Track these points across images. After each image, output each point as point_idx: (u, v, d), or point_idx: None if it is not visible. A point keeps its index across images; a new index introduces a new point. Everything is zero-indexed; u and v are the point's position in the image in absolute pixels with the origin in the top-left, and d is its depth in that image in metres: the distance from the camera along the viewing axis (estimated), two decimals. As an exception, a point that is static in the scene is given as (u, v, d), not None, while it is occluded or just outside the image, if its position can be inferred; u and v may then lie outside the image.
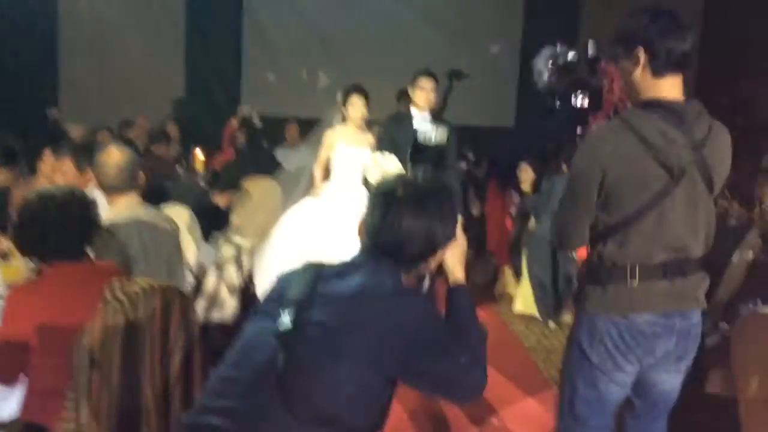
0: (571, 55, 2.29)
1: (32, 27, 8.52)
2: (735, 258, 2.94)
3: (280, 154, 6.80)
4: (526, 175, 5.33)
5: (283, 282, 1.60)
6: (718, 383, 2.53)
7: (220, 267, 2.79)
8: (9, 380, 2.19)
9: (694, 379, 2.98)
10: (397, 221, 1.55)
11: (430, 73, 4.46)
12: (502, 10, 9.68)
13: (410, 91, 4.46)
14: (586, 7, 9.14)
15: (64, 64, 9.19)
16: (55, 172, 3.64)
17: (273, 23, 9.43)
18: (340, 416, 1.45)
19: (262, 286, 3.20)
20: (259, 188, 4.79)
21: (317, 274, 1.56)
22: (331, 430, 1.46)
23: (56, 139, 4.81)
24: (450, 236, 1.66)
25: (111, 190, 2.68)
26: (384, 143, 4.34)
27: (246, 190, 4.75)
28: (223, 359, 1.56)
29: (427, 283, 3.92)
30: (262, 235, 3.85)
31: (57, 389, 2.06)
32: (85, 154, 3.38)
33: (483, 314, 4.92)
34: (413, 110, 4.44)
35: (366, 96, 4.47)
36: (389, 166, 4.01)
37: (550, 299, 4.73)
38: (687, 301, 1.97)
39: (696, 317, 2.01)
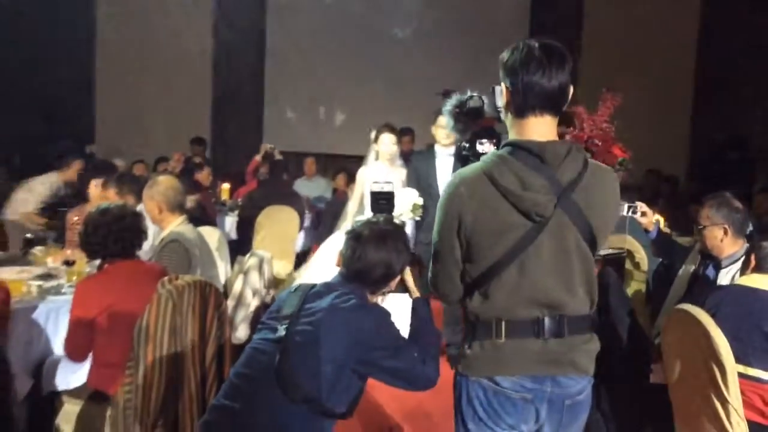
0: (475, 102, 2.30)
1: (71, 68, 9.28)
2: (681, 271, 3.44)
3: (299, 185, 7.45)
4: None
5: (280, 302, 2.11)
6: (660, 374, 2.98)
7: (245, 273, 3.37)
8: (81, 356, 2.75)
9: (642, 372, 3.44)
10: (363, 254, 2.08)
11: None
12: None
13: (433, 130, 4.61)
14: (586, 40, 9.66)
15: (99, 105, 9.93)
16: (100, 197, 4.30)
17: (293, 65, 10.13)
18: (319, 399, 1.94)
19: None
20: (279, 213, 5.40)
21: (304, 293, 2.07)
22: (313, 408, 1.95)
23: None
24: (404, 264, 2.16)
25: (170, 209, 3.32)
26: (410, 178, 4.53)
27: (268, 215, 5.35)
28: (238, 360, 2.10)
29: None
30: (280, 251, 4.39)
31: (117, 363, 2.62)
32: (125, 183, 4.09)
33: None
34: (437, 148, 4.58)
35: (396, 133, 4.62)
36: (410, 199, 4.20)
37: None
38: (561, 366, 1.76)
39: (577, 386, 1.79)
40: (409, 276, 2.22)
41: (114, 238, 2.73)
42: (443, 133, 4.49)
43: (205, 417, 2.07)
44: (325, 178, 8.34)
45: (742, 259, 2.90)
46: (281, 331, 1.99)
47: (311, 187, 7.91)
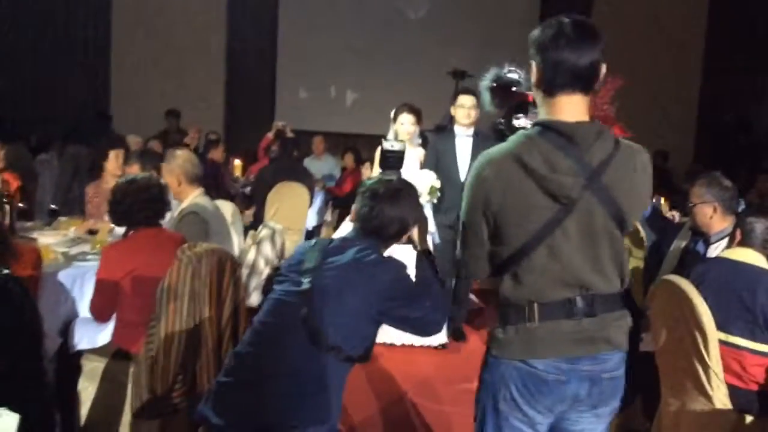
0: (513, 75, 2.23)
1: (86, 51, 9.47)
2: (672, 246, 3.60)
3: (307, 163, 7.62)
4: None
5: (300, 255, 2.21)
6: (649, 343, 3.14)
7: (258, 243, 3.55)
8: (105, 318, 2.95)
9: (633, 342, 3.62)
10: (380, 212, 2.19)
11: (469, 91, 4.62)
12: (518, 32, 10.38)
13: (452, 110, 4.64)
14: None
15: (115, 85, 10.12)
16: (119, 170, 4.49)
17: (305, 46, 10.26)
18: (342, 346, 2.07)
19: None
20: (290, 189, 5.57)
21: (324, 248, 2.18)
22: (336, 355, 2.06)
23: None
24: (417, 220, 2.29)
25: (188, 181, 3.50)
26: (429, 158, 4.60)
27: (279, 191, 5.53)
28: (260, 312, 2.23)
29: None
30: (290, 225, 4.58)
31: (140, 322, 2.81)
32: (147, 158, 4.28)
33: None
34: (456, 128, 4.63)
35: (415, 113, 4.60)
36: (427, 182, 4.35)
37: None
38: (596, 344, 1.76)
39: (612, 360, 1.79)
40: (414, 230, 2.33)
41: (139, 207, 2.91)
42: (464, 113, 4.54)
43: (229, 363, 2.18)
44: (334, 156, 8.49)
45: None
46: (306, 284, 2.09)
47: (320, 165, 8.08)
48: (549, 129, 1.72)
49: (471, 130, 4.60)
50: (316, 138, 8.41)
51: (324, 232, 6.67)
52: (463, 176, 4.49)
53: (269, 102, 10.38)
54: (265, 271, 3.50)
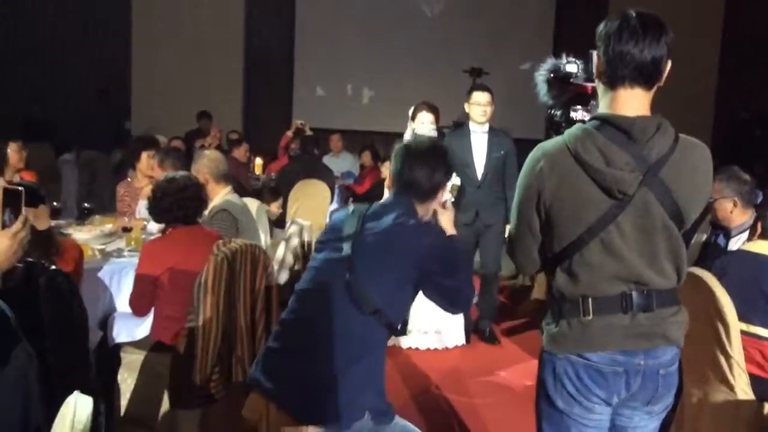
0: (572, 67, 2.17)
1: (107, 53, 9.64)
2: (693, 239, 3.65)
3: (326, 161, 7.72)
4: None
5: (339, 222, 2.25)
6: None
7: (287, 239, 3.66)
8: (144, 312, 3.06)
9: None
10: (412, 166, 2.25)
11: (484, 87, 4.62)
12: (533, 30, 10.45)
13: (466, 107, 4.59)
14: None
15: (135, 84, 10.27)
16: (150, 170, 4.59)
17: (321, 44, 10.36)
18: (384, 310, 2.11)
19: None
20: (311, 186, 5.68)
21: (362, 214, 2.22)
22: (379, 319, 2.11)
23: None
24: (447, 176, 2.33)
25: (216, 180, 3.61)
26: None
27: (301, 189, 5.64)
28: (303, 278, 2.30)
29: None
30: (312, 222, 4.68)
31: (178, 316, 2.92)
32: (179, 159, 4.41)
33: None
34: (471, 125, 4.58)
35: (434, 111, 4.59)
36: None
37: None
38: (652, 339, 1.75)
39: (667, 355, 1.78)
40: (444, 216, 2.38)
41: (178, 205, 3.02)
42: (479, 110, 4.50)
43: (277, 329, 2.26)
44: (352, 154, 8.58)
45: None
46: (347, 250, 2.13)
47: (338, 163, 8.16)
48: (607, 123, 1.71)
49: (486, 127, 4.58)
50: (334, 136, 8.51)
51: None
52: (479, 173, 4.51)
53: (287, 100, 10.49)
54: (295, 266, 3.61)
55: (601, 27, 1.74)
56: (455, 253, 2.30)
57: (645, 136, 1.69)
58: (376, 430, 2.16)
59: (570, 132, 1.75)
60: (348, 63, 10.35)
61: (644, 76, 1.70)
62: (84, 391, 2.48)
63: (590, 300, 1.73)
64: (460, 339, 4.61)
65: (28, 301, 2.42)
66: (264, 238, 4.13)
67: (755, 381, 2.68)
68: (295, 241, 3.67)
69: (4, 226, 1.44)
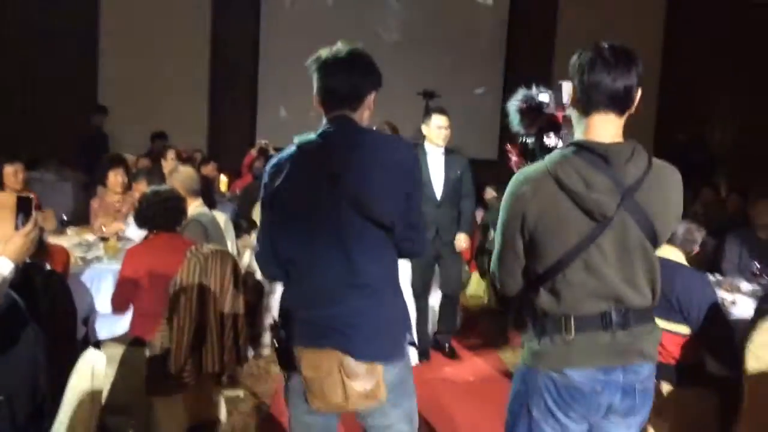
0: (543, 96, 2.24)
1: (74, 65, 9.89)
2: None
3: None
4: (489, 195, 6.64)
5: (284, 165, 2.12)
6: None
7: (252, 248, 4.05)
8: (124, 310, 3.41)
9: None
10: (324, 76, 2.15)
11: (443, 111, 4.67)
12: (486, 58, 11.06)
13: (424, 129, 4.65)
14: (557, 59, 10.40)
15: (102, 100, 10.51)
16: (118, 186, 4.97)
17: (284, 69, 10.77)
18: (396, 226, 2.03)
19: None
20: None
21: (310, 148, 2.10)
22: (389, 234, 2.04)
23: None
24: (369, 81, 2.17)
25: (191, 193, 3.98)
26: None
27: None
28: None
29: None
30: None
31: (155, 313, 3.27)
32: (153, 175, 4.78)
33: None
34: (427, 145, 4.64)
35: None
36: None
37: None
38: (630, 356, 1.82)
39: (644, 371, 1.86)
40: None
41: (161, 214, 3.40)
42: (436, 133, 4.59)
43: (288, 292, 2.15)
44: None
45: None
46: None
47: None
48: (583, 148, 1.79)
49: (442, 148, 4.67)
50: (296, 155, 8.90)
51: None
52: (438, 193, 4.63)
53: (251, 121, 10.88)
54: (259, 273, 4.00)
55: (574, 59, 1.85)
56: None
57: (621, 160, 1.77)
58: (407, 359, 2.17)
59: (550, 158, 1.83)
60: (310, 86, 10.66)
61: (616, 102, 1.80)
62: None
63: (572, 318, 1.80)
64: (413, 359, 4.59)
65: (26, 296, 2.77)
66: (231, 246, 4.52)
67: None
68: (259, 249, 4.07)
69: (17, 228, 1.80)
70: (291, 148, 2.17)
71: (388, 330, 2.08)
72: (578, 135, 1.87)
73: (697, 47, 9.67)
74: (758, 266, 4.24)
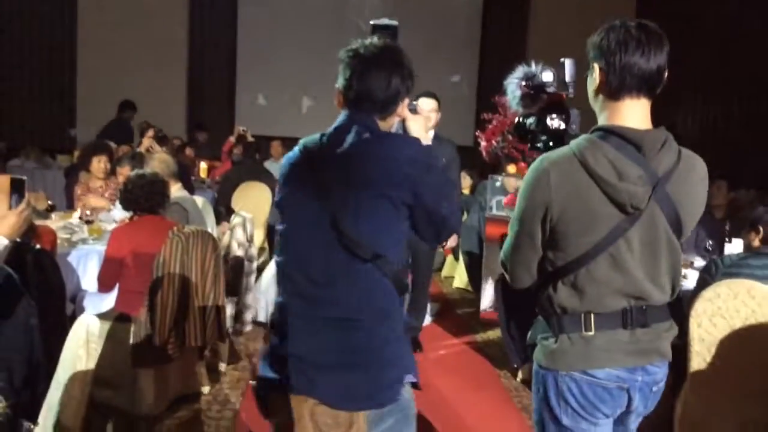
0: (547, 75, 2.08)
1: (53, 56, 9.93)
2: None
3: (267, 166, 8.27)
4: (465, 182, 6.84)
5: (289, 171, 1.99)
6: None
7: (231, 230, 4.22)
8: (110, 287, 3.58)
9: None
10: (360, 73, 1.87)
11: (430, 94, 4.38)
12: (461, 44, 11.28)
13: None
14: (531, 47, 10.65)
15: (81, 90, 10.60)
16: (101, 172, 5.12)
17: (262, 57, 10.92)
18: (380, 251, 1.84)
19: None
20: (254, 188, 6.26)
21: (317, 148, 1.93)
22: (377, 263, 1.84)
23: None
24: (406, 84, 1.93)
25: (169, 177, 4.15)
26: None
27: (243, 191, 6.21)
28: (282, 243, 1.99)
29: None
30: (255, 216, 5.25)
31: (140, 290, 3.45)
32: (136, 161, 4.93)
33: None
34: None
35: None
36: None
37: (477, 270, 5.92)
38: (650, 355, 1.75)
39: (660, 372, 1.80)
40: (414, 123, 2.04)
41: (145, 197, 3.56)
42: (425, 117, 4.47)
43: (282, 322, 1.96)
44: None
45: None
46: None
47: (279, 168, 8.61)
48: (614, 134, 1.67)
49: (432, 133, 4.40)
50: (275, 142, 9.05)
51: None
52: None
53: (230, 108, 11.01)
54: (238, 252, 4.18)
55: (597, 39, 1.72)
56: (438, 168, 1.98)
57: (654, 149, 1.67)
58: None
59: (577, 143, 1.70)
60: (287, 73, 10.93)
61: (649, 84, 1.70)
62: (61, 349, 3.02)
63: (593, 315, 1.71)
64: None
65: (18, 272, 2.94)
66: (211, 228, 4.70)
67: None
68: (239, 231, 4.25)
69: (11, 208, 1.98)
70: (296, 148, 2.06)
71: (368, 369, 1.87)
72: (603, 121, 1.75)
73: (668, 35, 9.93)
74: (711, 243, 4.52)
